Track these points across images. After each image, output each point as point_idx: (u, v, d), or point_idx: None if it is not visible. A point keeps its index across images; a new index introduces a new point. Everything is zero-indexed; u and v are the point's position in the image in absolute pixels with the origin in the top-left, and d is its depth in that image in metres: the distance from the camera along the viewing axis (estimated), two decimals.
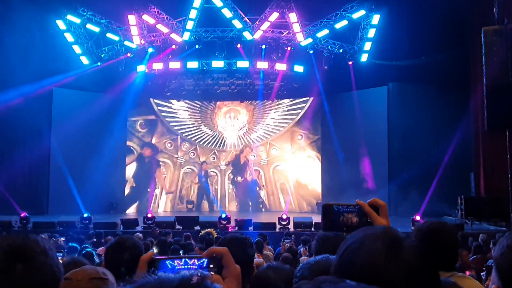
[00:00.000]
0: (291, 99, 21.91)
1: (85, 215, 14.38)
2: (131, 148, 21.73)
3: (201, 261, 1.11)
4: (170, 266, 1.10)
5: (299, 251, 7.51)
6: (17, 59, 16.45)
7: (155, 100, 22.04)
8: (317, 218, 14.04)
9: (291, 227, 14.03)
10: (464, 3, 16.06)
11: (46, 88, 18.73)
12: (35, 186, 18.75)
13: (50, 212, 18.26)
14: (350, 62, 18.85)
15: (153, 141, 22.27)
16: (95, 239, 10.18)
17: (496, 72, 11.56)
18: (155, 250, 7.03)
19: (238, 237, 2.33)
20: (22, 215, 14.20)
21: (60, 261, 1.24)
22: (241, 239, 2.32)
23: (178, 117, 22.37)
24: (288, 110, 22.15)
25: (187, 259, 1.10)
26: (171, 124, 22.30)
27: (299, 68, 19.22)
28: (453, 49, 16.70)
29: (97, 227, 13.36)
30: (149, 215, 14.47)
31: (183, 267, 1.10)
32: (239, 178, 22.28)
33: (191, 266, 1.10)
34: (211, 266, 1.11)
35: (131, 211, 19.97)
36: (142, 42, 18.72)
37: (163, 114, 22.26)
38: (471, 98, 16.75)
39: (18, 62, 16.45)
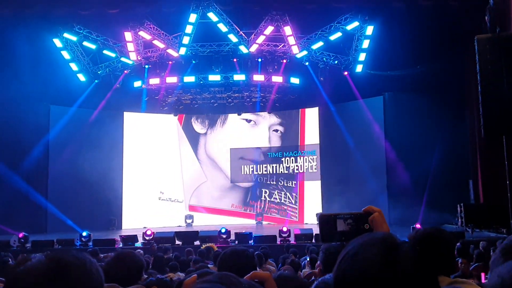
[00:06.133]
0: (287, 111, 21.99)
1: (84, 233, 14.25)
2: (129, 163, 21.65)
3: None
4: None
5: (302, 263, 7.44)
6: (14, 78, 16.50)
7: (153, 115, 22.05)
8: (317, 229, 13.94)
9: (291, 239, 13.95)
10: (457, 12, 16.21)
11: (43, 106, 18.81)
12: (33, 205, 18.61)
13: (49, 230, 18.14)
14: (346, 73, 18.95)
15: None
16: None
17: (491, 79, 11.63)
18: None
19: (238, 250, 2.43)
20: (20, 235, 14.06)
21: None
22: (242, 251, 2.42)
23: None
24: (286, 122, 22.24)
25: None
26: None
27: (295, 80, 19.34)
28: (447, 58, 16.80)
29: (97, 244, 13.27)
30: (148, 232, 14.33)
31: None
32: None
33: None
34: None
35: (131, 227, 19.80)
36: (139, 58, 18.83)
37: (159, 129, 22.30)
38: (466, 106, 16.82)
39: (15, 81, 16.50)
